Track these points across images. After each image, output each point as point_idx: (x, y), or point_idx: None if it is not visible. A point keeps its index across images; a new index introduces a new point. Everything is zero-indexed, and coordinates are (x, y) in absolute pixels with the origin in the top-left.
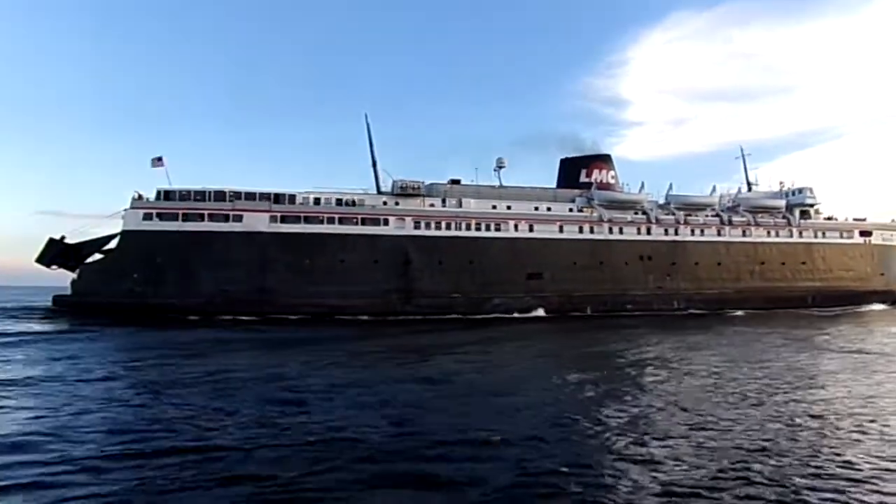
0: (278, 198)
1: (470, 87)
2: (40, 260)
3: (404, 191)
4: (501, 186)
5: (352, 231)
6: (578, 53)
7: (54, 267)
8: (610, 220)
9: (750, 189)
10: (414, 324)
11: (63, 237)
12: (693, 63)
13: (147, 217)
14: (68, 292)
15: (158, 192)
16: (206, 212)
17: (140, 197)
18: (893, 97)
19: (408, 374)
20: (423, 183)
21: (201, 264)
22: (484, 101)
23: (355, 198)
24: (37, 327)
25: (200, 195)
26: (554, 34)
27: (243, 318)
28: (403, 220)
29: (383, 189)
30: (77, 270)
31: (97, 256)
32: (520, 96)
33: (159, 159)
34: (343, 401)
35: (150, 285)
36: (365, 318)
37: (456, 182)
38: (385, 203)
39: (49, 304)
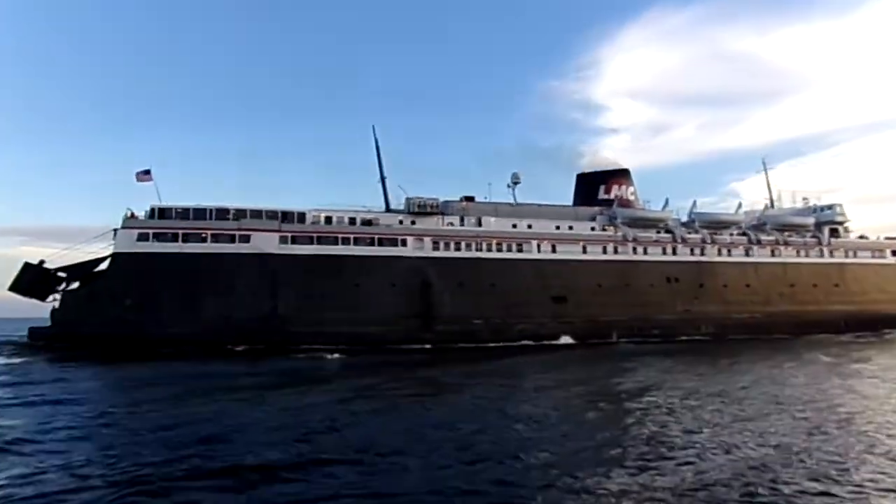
0: (286, 216)
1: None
2: (14, 287)
3: (421, 209)
4: (518, 204)
5: (368, 252)
6: (543, 55)
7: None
8: (635, 240)
9: (772, 205)
10: (436, 353)
11: (42, 261)
12: (672, 65)
13: (142, 238)
14: (48, 323)
15: (152, 210)
16: (209, 232)
17: (132, 215)
18: (890, 104)
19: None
20: (438, 200)
21: (205, 290)
22: (451, 112)
23: (369, 217)
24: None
25: (201, 213)
26: (515, 33)
27: (251, 347)
28: (422, 240)
29: (394, 206)
30: (58, 297)
31: (77, 284)
32: (484, 105)
33: (146, 172)
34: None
35: (144, 312)
36: (384, 345)
37: (470, 199)
38: (401, 222)
39: (24, 337)
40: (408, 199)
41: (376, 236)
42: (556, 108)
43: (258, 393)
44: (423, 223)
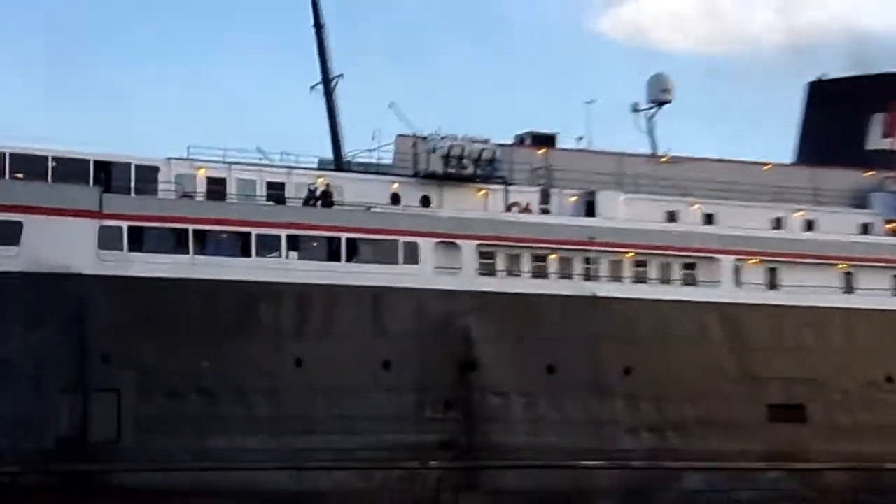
0: (113, 173)
1: None
2: None
3: (455, 166)
4: (674, 159)
5: (325, 275)
6: None
7: None
8: None
9: None
10: None
11: None
12: None
13: None
14: None
15: None
16: None
17: None
18: None
19: None
20: (488, 144)
21: None
22: None
23: (326, 179)
24: None
25: None
26: None
27: None
28: (456, 246)
29: (370, 149)
30: None
31: None
32: None
33: None
34: None
35: None
36: None
37: (546, 141)
38: (395, 200)
39: None
40: (414, 141)
41: (344, 235)
42: None
43: None
44: (455, 200)
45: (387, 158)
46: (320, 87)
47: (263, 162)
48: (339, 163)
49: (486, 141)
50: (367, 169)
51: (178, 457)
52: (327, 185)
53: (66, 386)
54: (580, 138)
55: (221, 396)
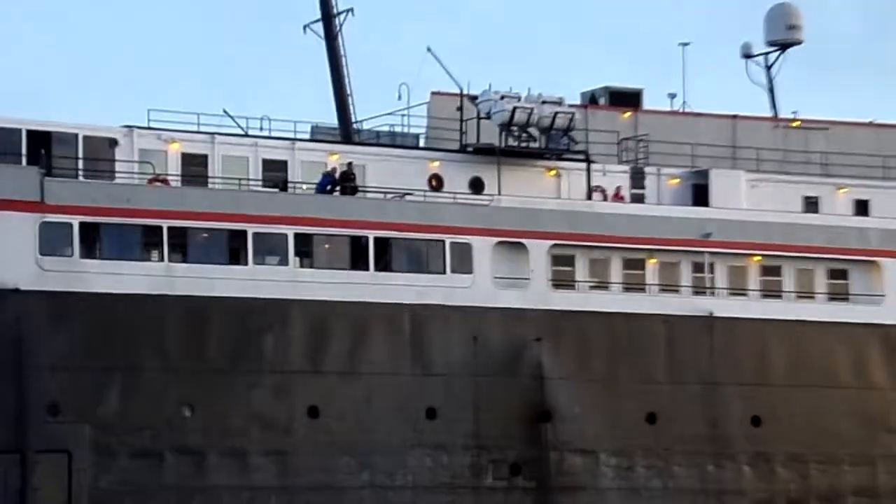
0: (51, 149)
1: None
2: None
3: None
4: (808, 123)
5: (348, 289)
6: None
7: None
8: None
9: None
10: None
11: None
12: None
13: None
14: None
15: None
16: None
17: None
18: None
19: None
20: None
21: None
22: None
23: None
24: None
25: None
26: None
27: None
28: (524, 248)
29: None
30: None
31: None
32: None
33: None
34: None
35: None
36: None
37: (631, 99)
38: (434, 185)
39: None
40: (460, 103)
41: (371, 234)
42: None
43: None
44: (516, 183)
45: (416, 127)
46: (318, 26)
47: (258, 134)
48: (346, 132)
49: (559, 101)
50: (392, 141)
51: None
52: (349, 164)
53: None
54: (673, 95)
55: (209, 458)
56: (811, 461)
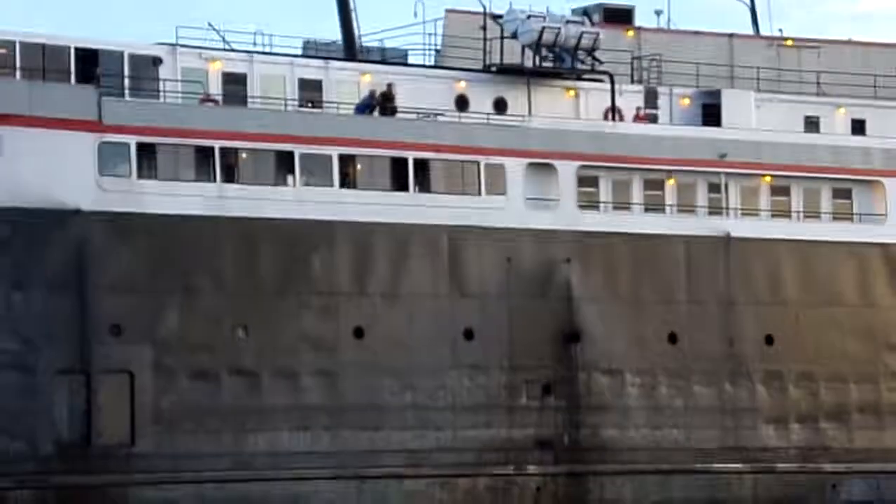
0: (96, 68)
1: None
2: None
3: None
4: (800, 42)
5: (391, 210)
6: None
7: None
8: None
9: None
10: None
11: None
12: None
13: None
14: None
15: None
16: None
17: None
18: None
19: None
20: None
21: None
22: None
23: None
24: None
25: None
26: None
27: None
28: (553, 169)
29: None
30: None
31: None
32: None
33: None
34: None
35: None
36: None
37: (624, 16)
38: (461, 104)
39: None
40: (483, 21)
41: (411, 154)
42: None
43: None
44: (540, 103)
45: (413, 45)
46: None
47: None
48: (350, 48)
49: (582, 21)
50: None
51: (210, 463)
52: (389, 85)
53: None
54: (659, 13)
55: (263, 379)
56: (821, 379)
